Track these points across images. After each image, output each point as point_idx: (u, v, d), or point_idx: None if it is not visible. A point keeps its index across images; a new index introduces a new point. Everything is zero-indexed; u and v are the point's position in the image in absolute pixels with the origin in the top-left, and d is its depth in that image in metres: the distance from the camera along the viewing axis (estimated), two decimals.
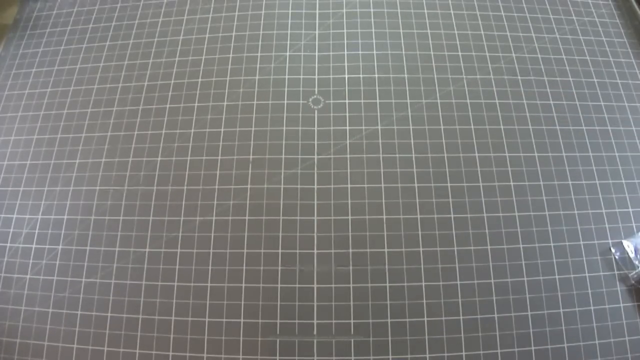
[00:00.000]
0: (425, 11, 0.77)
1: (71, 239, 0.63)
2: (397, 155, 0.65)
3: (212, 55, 0.74)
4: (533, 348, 0.56)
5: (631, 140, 0.67)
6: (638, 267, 0.58)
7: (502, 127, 0.67)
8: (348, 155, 0.65)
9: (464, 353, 0.56)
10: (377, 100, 0.69)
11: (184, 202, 0.63)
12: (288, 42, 0.74)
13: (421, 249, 0.60)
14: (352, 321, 0.57)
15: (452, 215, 0.61)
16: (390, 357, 0.55)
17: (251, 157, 0.65)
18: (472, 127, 0.67)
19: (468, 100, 0.69)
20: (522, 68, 0.72)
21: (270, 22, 0.76)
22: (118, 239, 0.62)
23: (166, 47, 0.75)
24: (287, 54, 0.73)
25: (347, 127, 0.67)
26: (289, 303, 0.58)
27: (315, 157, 0.65)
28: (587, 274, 0.59)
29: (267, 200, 0.63)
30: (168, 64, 0.74)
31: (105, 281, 0.60)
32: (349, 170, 0.64)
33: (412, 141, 0.66)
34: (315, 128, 0.67)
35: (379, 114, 0.68)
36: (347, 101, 0.69)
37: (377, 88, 0.70)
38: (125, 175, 0.66)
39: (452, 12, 0.77)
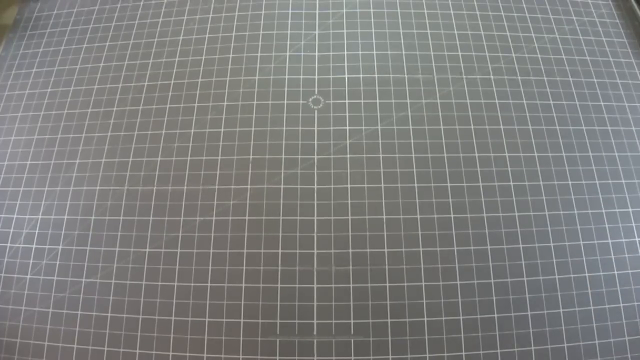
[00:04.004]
0: (425, 11, 0.77)
1: (71, 239, 0.63)
2: (397, 155, 0.65)
3: (212, 55, 0.74)
4: (533, 348, 0.56)
5: (631, 140, 0.67)
6: None
7: (501, 127, 0.67)
8: (348, 155, 0.65)
9: (463, 353, 0.56)
10: (377, 101, 0.69)
11: (184, 202, 0.63)
12: (288, 42, 0.74)
13: (421, 249, 0.60)
14: (352, 321, 0.57)
15: (451, 215, 0.61)
16: (390, 357, 0.55)
17: (251, 157, 0.65)
18: (472, 127, 0.67)
19: (468, 100, 0.69)
20: (521, 68, 0.72)
21: (270, 22, 0.76)
22: (118, 239, 0.62)
23: (166, 47, 0.75)
24: (287, 54, 0.73)
25: (347, 127, 0.67)
26: (289, 303, 0.58)
27: (315, 157, 0.65)
28: (587, 274, 0.59)
29: (267, 200, 0.63)
30: (168, 64, 0.74)
31: (105, 281, 0.60)
32: (349, 170, 0.64)
33: (412, 141, 0.66)
34: (315, 128, 0.67)
35: (378, 114, 0.68)
36: (347, 101, 0.69)
37: (377, 88, 0.70)
38: (125, 175, 0.66)
39: (452, 12, 0.77)
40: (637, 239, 0.61)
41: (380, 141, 0.66)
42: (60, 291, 0.61)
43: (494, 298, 0.57)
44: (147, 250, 0.61)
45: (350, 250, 0.60)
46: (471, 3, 0.78)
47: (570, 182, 0.63)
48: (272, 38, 0.75)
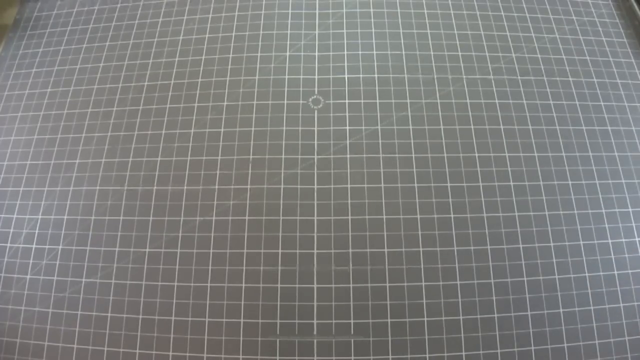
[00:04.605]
0: (425, 11, 0.77)
1: (71, 239, 0.63)
2: (397, 155, 0.65)
3: (212, 55, 0.74)
4: (533, 348, 0.56)
5: (631, 140, 0.67)
6: None
7: (501, 127, 0.67)
8: (348, 155, 0.65)
9: (463, 353, 0.56)
10: (377, 100, 0.69)
11: (184, 202, 0.63)
12: (288, 42, 0.74)
13: (421, 249, 0.60)
14: (352, 321, 0.57)
15: (451, 215, 0.61)
16: (390, 357, 0.55)
17: (251, 157, 0.65)
18: (472, 127, 0.67)
19: (468, 100, 0.69)
20: (521, 68, 0.72)
21: (270, 22, 0.76)
22: (118, 239, 0.62)
23: (166, 47, 0.75)
24: (287, 54, 0.73)
25: (347, 127, 0.67)
26: (289, 303, 0.58)
27: (315, 157, 0.65)
28: (587, 274, 0.59)
29: (267, 200, 0.63)
30: (168, 64, 0.74)
31: (105, 281, 0.60)
32: (349, 170, 0.64)
33: (412, 141, 0.66)
34: (315, 128, 0.67)
35: (378, 114, 0.68)
36: (347, 101, 0.69)
37: (377, 88, 0.70)
38: (125, 175, 0.66)
39: (452, 12, 0.77)
40: (637, 239, 0.61)
41: (380, 141, 0.66)
42: (60, 291, 0.61)
43: (494, 298, 0.57)
44: (147, 250, 0.61)
45: (350, 250, 0.60)
46: (471, 3, 0.78)
47: (570, 182, 0.63)
48: (272, 38, 0.75)
